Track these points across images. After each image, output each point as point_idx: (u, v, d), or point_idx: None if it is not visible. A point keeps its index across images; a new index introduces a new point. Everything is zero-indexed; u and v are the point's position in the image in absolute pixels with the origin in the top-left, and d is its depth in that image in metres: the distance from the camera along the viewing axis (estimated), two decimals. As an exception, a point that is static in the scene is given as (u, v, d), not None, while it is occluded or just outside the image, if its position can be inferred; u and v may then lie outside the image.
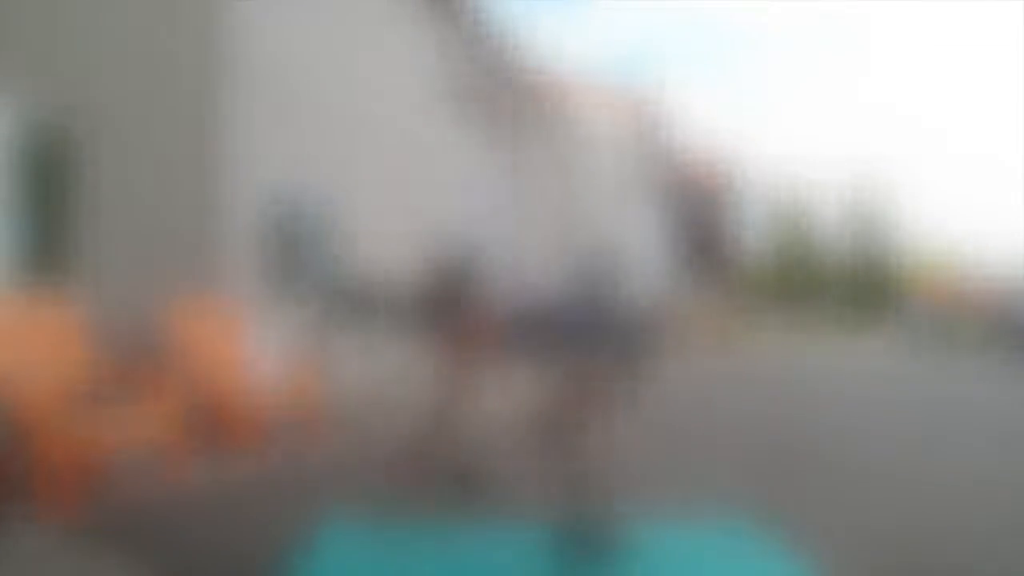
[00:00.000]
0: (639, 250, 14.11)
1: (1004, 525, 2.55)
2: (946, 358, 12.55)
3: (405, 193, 8.00)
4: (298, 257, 6.07)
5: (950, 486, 3.18)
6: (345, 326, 4.89)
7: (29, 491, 2.81)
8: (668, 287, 19.07)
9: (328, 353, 5.21)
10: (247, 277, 5.43)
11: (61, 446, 2.64)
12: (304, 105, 6.19)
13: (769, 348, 14.77)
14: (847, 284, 31.06)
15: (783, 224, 31.61)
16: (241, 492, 3.04)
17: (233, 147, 5.24)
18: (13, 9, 3.71)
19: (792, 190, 31.79)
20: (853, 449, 4.06)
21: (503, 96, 9.19)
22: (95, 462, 3.32)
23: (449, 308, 2.21)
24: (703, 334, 16.19)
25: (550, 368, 1.93)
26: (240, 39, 5.38)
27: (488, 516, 2.62)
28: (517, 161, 10.93)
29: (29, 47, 3.80)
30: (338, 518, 2.55)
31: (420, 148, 8.50)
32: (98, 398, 3.21)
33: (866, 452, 3.98)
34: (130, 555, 2.22)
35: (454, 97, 9.01)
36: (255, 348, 5.15)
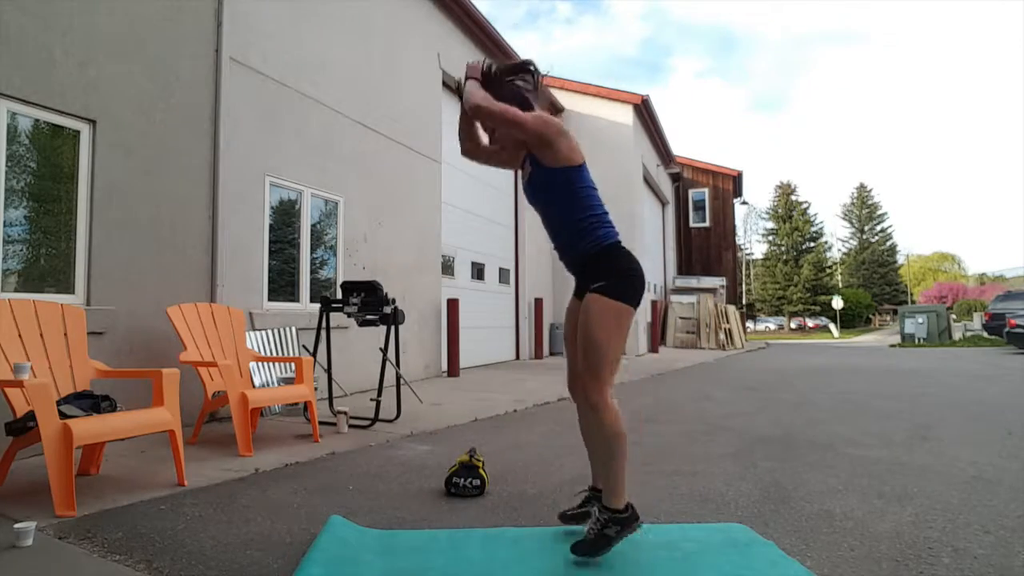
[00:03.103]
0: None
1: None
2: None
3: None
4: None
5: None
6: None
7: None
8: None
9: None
10: (247, 277, 5.43)
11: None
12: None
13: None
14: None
15: None
16: (243, 491, 3.04)
17: (235, 145, 5.24)
18: (11, 5, 3.70)
19: None
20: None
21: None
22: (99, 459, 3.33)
23: None
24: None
25: None
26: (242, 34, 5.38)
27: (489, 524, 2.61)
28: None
29: (27, 44, 3.79)
30: (340, 522, 2.54)
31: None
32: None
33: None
34: (129, 556, 2.22)
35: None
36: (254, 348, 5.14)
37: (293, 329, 5.66)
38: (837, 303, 37.29)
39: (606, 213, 2.27)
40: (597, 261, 2.20)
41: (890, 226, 65.21)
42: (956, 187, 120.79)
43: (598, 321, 2.14)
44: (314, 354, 4.96)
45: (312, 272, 6.38)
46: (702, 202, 21.56)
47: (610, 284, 2.15)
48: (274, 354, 5.35)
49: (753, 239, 60.08)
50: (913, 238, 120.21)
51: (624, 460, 2.15)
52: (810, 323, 46.31)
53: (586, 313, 2.18)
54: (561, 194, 2.24)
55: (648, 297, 15.33)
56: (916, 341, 20.00)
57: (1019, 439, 4.37)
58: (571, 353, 2.35)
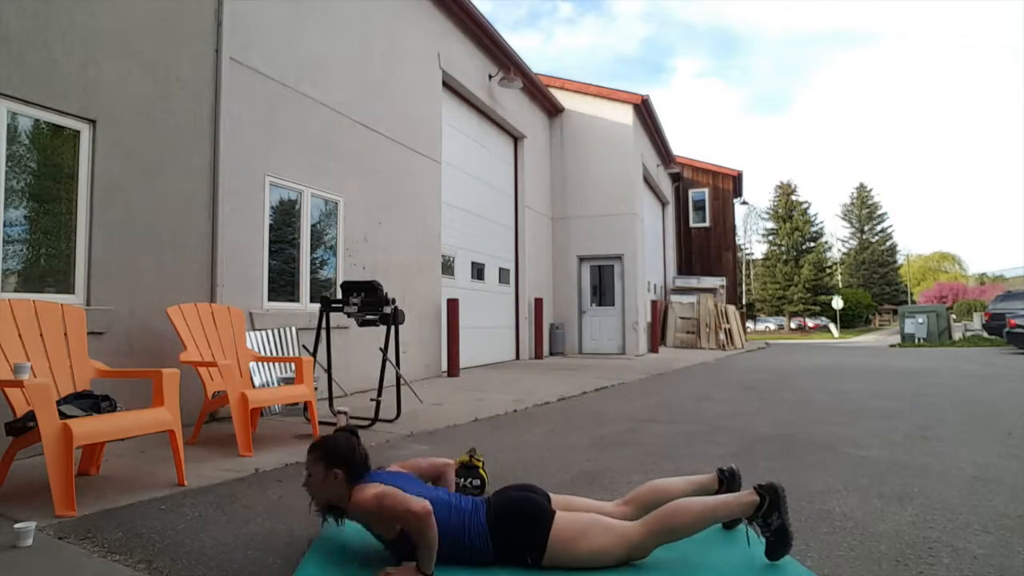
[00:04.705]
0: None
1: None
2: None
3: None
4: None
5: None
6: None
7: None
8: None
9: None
10: (247, 277, 5.43)
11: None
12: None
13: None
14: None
15: None
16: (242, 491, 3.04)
17: (235, 145, 5.24)
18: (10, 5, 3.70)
19: None
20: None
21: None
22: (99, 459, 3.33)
23: None
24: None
25: None
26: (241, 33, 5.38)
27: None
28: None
29: (27, 43, 3.79)
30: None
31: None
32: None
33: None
34: (129, 556, 2.22)
35: None
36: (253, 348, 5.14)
37: (293, 329, 5.66)
38: (837, 303, 37.29)
39: (461, 520, 2.08)
40: (494, 539, 2.06)
41: (890, 226, 65.34)
42: (956, 187, 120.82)
43: (564, 552, 2.04)
44: (314, 354, 4.96)
45: (312, 272, 6.38)
46: (702, 202, 21.54)
47: (531, 550, 2.04)
48: (274, 354, 5.35)
49: (753, 239, 60.11)
50: (913, 238, 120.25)
51: (698, 519, 2.09)
52: (810, 323, 46.32)
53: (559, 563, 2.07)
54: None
55: (648, 297, 15.32)
56: (916, 341, 20.00)
57: (1019, 439, 4.37)
58: None
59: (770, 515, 2.10)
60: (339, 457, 2.16)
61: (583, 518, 2.12)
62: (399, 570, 1.92)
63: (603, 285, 13.83)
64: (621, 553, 2.05)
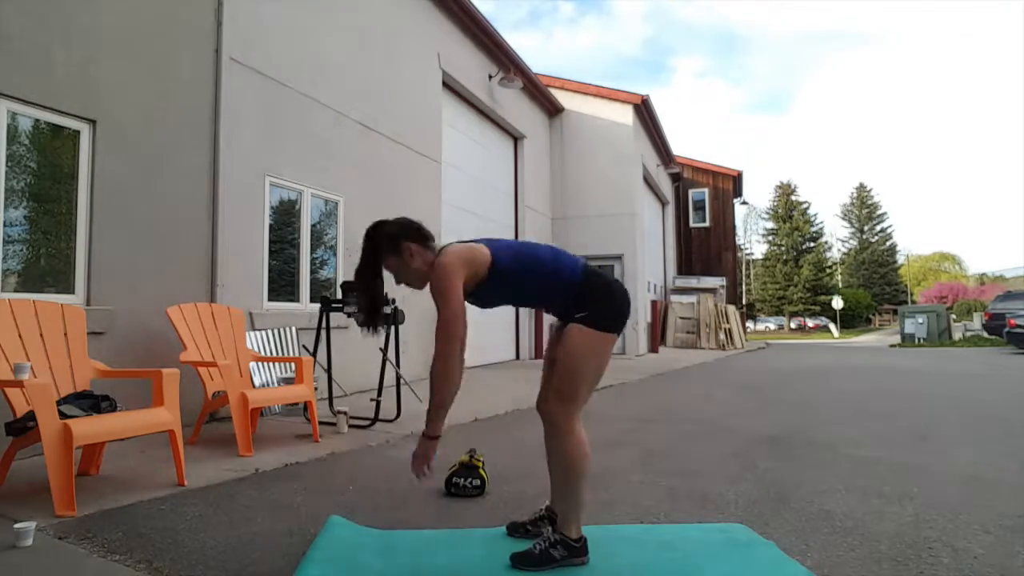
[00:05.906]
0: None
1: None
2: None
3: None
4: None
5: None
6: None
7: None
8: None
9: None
10: (248, 277, 5.43)
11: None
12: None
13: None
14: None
15: None
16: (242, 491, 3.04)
17: (235, 145, 5.24)
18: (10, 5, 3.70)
19: None
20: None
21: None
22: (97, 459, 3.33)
23: None
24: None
25: None
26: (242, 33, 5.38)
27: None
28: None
29: (27, 43, 3.79)
30: (340, 522, 2.54)
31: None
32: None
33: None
34: (129, 556, 2.22)
35: None
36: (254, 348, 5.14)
37: (293, 329, 5.66)
38: (837, 303, 37.28)
39: (557, 256, 2.21)
40: (578, 293, 2.16)
41: (890, 226, 65.26)
42: (956, 187, 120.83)
43: (578, 349, 2.12)
44: (314, 354, 4.96)
45: (312, 272, 6.38)
46: (702, 202, 21.54)
47: (591, 313, 2.12)
48: (274, 354, 5.35)
49: (753, 239, 60.17)
50: (913, 238, 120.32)
51: (582, 491, 2.13)
52: (810, 323, 46.31)
53: (567, 340, 2.15)
54: (511, 286, 2.21)
55: (648, 297, 15.32)
56: (916, 341, 20.00)
57: (1019, 439, 4.37)
58: (547, 374, 2.34)
59: (558, 545, 2.08)
60: (402, 232, 2.31)
61: (599, 373, 2.21)
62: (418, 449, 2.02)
63: (603, 285, 13.79)
64: (567, 404, 2.22)
